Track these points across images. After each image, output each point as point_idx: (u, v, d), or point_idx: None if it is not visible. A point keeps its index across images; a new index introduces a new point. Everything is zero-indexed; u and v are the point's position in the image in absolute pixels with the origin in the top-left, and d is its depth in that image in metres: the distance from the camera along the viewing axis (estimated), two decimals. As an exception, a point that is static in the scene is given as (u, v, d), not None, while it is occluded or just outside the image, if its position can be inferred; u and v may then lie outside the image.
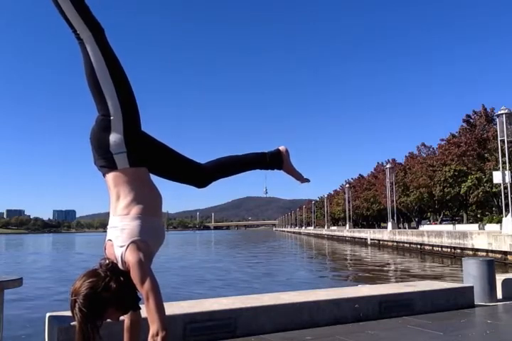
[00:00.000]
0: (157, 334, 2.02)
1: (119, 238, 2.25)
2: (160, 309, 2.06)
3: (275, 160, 2.75)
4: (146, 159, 2.44)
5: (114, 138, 2.34)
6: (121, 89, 2.37)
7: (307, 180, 2.89)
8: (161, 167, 2.54)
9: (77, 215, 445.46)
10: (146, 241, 2.24)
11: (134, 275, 2.11)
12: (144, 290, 2.08)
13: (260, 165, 2.76)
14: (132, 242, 2.21)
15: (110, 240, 2.32)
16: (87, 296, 2.06)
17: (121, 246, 2.22)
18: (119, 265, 2.22)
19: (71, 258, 36.04)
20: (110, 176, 2.37)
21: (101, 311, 2.09)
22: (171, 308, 4.58)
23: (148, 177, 2.46)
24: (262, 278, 19.48)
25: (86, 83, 2.39)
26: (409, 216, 64.70)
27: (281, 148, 2.79)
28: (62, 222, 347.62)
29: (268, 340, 4.72)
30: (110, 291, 2.09)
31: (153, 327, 2.04)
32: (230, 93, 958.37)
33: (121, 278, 2.15)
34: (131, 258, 2.15)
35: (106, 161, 2.37)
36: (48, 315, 4.34)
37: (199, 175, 2.63)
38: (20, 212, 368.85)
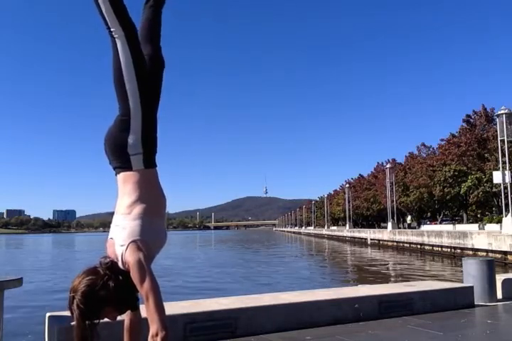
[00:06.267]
0: (157, 335, 2.02)
1: (120, 237, 2.26)
2: (160, 309, 2.06)
3: None
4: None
5: (131, 139, 2.38)
6: (144, 88, 2.42)
7: None
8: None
9: (77, 215, 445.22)
10: (147, 241, 2.25)
11: (134, 276, 2.11)
12: (143, 290, 2.08)
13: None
14: (132, 242, 2.21)
15: (112, 238, 2.33)
16: (85, 294, 2.08)
17: (122, 246, 2.22)
18: (119, 264, 2.22)
19: (72, 257, 36.04)
20: (121, 175, 2.41)
21: (98, 309, 2.10)
22: (171, 308, 4.57)
23: (157, 178, 2.49)
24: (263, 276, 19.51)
25: (112, 81, 2.44)
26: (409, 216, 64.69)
27: None
28: (62, 222, 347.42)
29: (268, 340, 4.72)
30: (108, 290, 2.11)
31: (153, 327, 2.04)
32: (228, 93, 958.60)
33: (120, 278, 2.16)
34: (131, 258, 2.15)
35: (122, 162, 2.40)
36: (48, 315, 4.34)
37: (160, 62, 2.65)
38: (20, 212, 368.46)
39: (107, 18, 2.38)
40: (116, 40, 2.39)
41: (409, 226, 59.99)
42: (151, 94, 2.48)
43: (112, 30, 2.39)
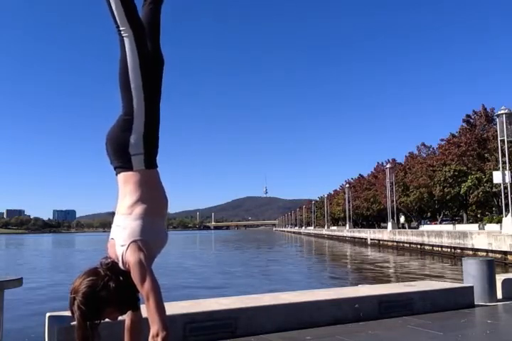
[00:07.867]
0: (157, 335, 2.02)
1: (121, 237, 2.26)
2: (160, 309, 2.06)
3: None
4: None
5: (133, 139, 2.38)
6: (149, 89, 2.43)
7: None
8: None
9: (77, 215, 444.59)
10: (147, 242, 2.24)
11: (135, 276, 2.11)
12: (144, 290, 2.08)
13: None
14: (133, 242, 2.21)
15: (113, 239, 2.33)
16: (86, 294, 2.08)
17: (122, 246, 2.22)
18: (120, 264, 2.22)
19: (75, 256, 36.03)
20: (122, 176, 2.40)
21: (99, 310, 2.10)
22: (171, 308, 4.57)
23: (158, 179, 2.49)
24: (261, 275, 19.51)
25: (117, 79, 2.45)
26: (409, 216, 64.69)
27: None
28: (62, 222, 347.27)
29: (268, 340, 4.73)
30: (109, 291, 2.10)
31: (154, 327, 2.04)
32: (228, 93, 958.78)
33: (121, 278, 2.15)
34: (131, 258, 2.15)
35: (123, 162, 2.39)
36: (47, 315, 4.34)
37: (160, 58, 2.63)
38: (20, 212, 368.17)
39: (116, 17, 2.39)
40: (124, 39, 2.41)
41: (403, 227, 59.96)
42: (155, 94, 2.49)
43: (121, 29, 2.40)
